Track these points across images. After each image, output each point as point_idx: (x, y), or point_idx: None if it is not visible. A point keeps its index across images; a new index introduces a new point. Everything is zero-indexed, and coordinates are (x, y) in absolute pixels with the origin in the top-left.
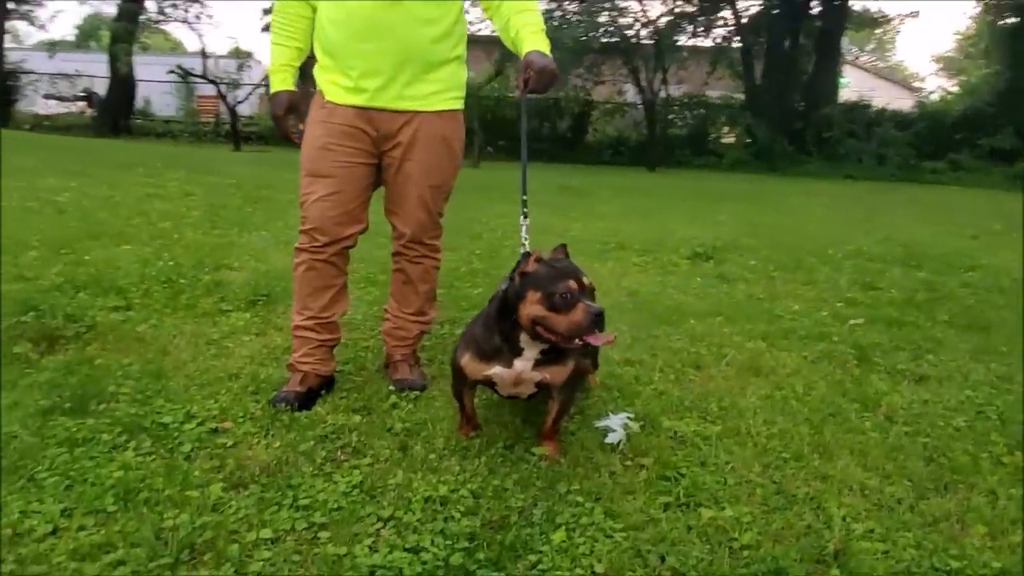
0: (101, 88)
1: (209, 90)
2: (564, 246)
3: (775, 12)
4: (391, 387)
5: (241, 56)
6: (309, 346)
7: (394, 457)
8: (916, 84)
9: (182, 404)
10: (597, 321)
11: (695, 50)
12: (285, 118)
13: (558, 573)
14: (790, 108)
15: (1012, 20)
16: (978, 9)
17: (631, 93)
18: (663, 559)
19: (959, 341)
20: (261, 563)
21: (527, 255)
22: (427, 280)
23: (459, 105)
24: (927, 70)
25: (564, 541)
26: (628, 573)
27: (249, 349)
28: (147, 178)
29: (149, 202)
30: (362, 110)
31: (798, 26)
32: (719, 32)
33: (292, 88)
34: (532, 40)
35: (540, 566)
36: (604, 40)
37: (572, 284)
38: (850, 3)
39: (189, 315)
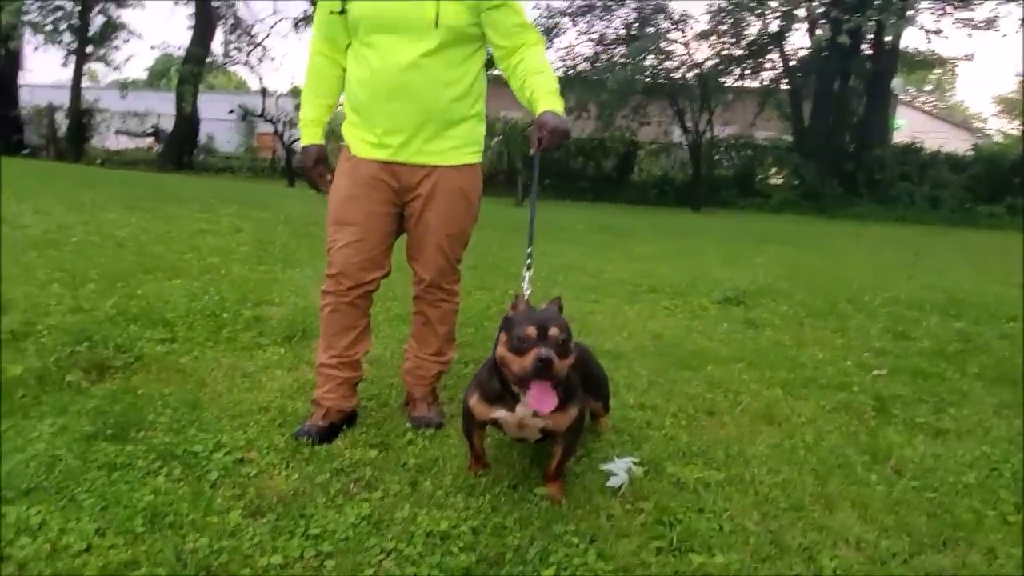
0: (168, 125)
1: (269, 127)
2: (559, 299)
3: (824, 54)
4: (408, 424)
5: (297, 95)
6: (333, 383)
7: (403, 492)
8: (977, 124)
9: (213, 434)
10: (539, 367)
11: (742, 91)
12: (314, 169)
13: None
14: (840, 149)
15: None
16: None
17: (677, 134)
18: None
19: (985, 394)
20: None
21: (516, 299)
22: (446, 322)
23: (476, 159)
24: (987, 111)
25: None
26: None
27: (280, 383)
28: (201, 213)
29: (201, 237)
30: (385, 164)
31: (848, 68)
32: (767, 74)
33: (321, 142)
34: (546, 100)
35: None
36: (649, 81)
37: (530, 330)
38: (903, 45)
39: (229, 348)
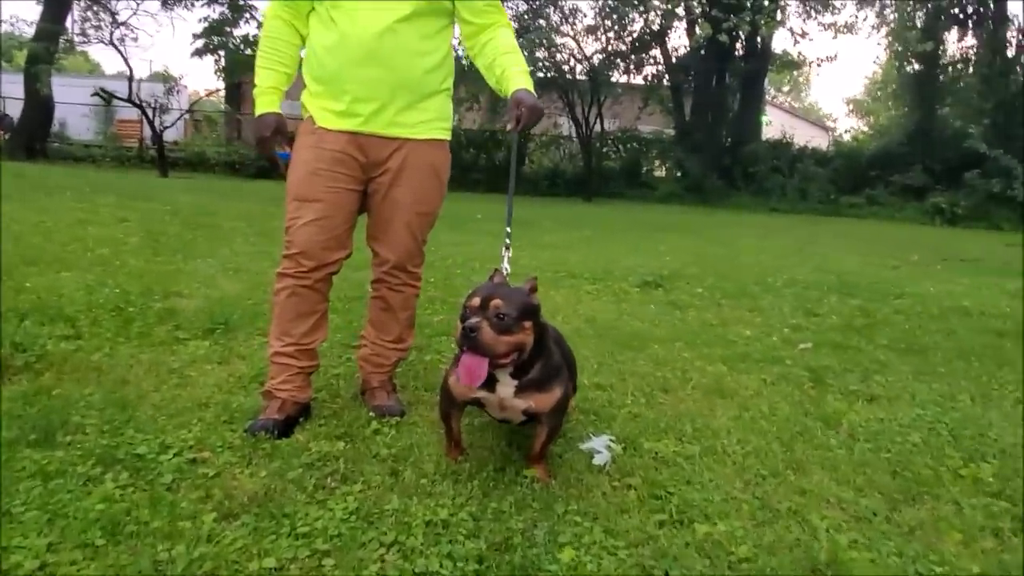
0: (13, 110)
1: (129, 114)
2: (534, 279)
3: (702, 53)
4: (371, 413)
5: (168, 80)
6: (288, 373)
7: (386, 483)
8: (829, 124)
9: (154, 435)
10: (464, 335)
11: (629, 87)
12: (272, 140)
13: None
14: (718, 144)
15: (917, 67)
16: (886, 56)
17: (566, 126)
18: (667, 573)
19: (900, 363)
20: None
21: (493, 273)
22: (407, 308)
23: (447, 136)
24: (838, 111)
25: (573, 559)
26: None
27: (214, 378)
28: (77, 203)
29: (82, 227)
30: (353, 136)
31: (724, 66)
32: (650, 70)
33: (280, 111)
34: (520, 79)
35: None
36: (541, 75)
37: (475, 301)
38: (772, 46)
39: (144, 344)
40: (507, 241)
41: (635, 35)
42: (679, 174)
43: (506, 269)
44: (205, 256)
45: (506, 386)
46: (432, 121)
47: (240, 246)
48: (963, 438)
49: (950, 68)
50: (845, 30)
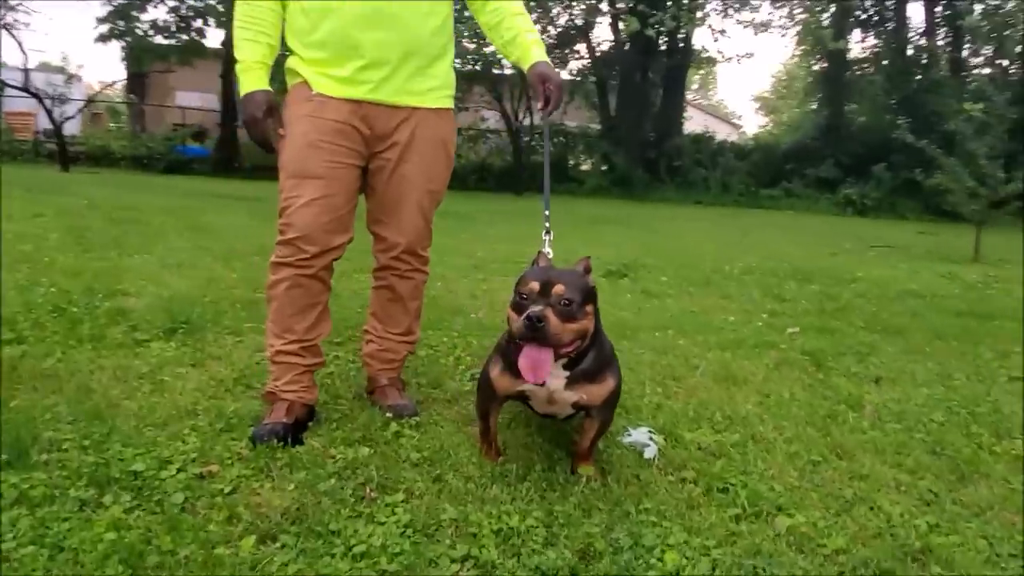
0: None
1: (19, 105)
2: (587, 259)
3: (626, 48)
4: (387, 415)
5: (62, 70)
6: (294, 372)
7: (431, 490)
8: (735, 121)
9: (145, 448)
10: (528, 327)
11: None
12: (264, 121)
13: None
14: (643, 138)
15: (825, 65)
16: (794, 54)
17: (492, 120)
18: (770, 572)
19: (887, 345)
20: None
21: (537, 256)
22: (416, 296)
23: (452, 104)
24: (743, 108)
25: (676, 564)
26: None
27: (193, 382)
28: None
29: None
30: (357, 105)
31: (648, 62)
32: (576, 65)
33: (268, 87)
34: (538, 49)
35: None
36: (468, 68)
37: (533, 285)
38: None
39: (100, 347)
40: (547, 224)
41: (560, 29)
42: (605, 168)
43: (549, 253)
44: (141, 252)
45: (557, 378)
46: (440, 88)
47: (175, 241)
48: (981, 415)
49: (855, 66)
50: (762, 28)
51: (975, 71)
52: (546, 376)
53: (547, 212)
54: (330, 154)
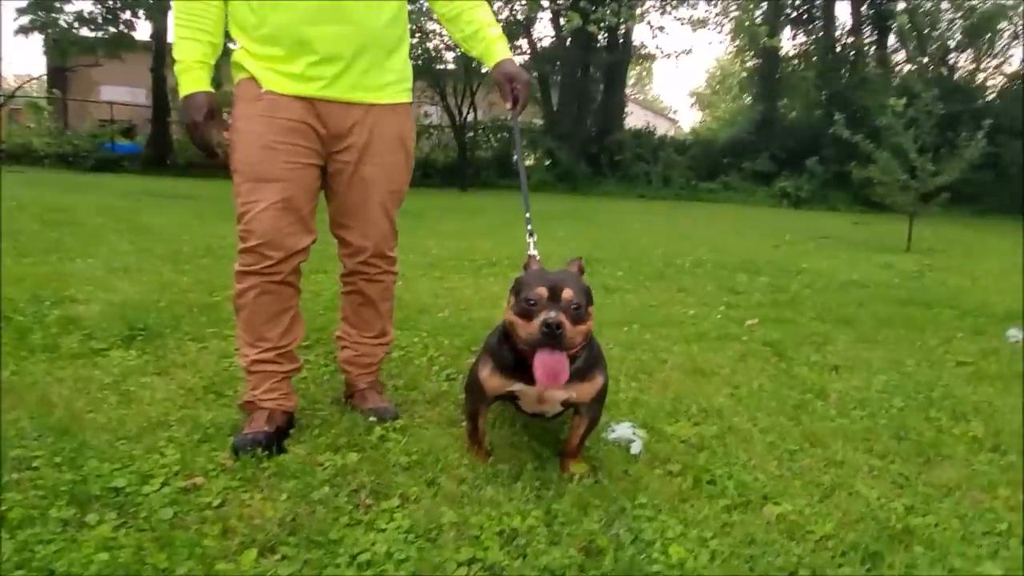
0: None
1: None
2: (579, 260)
3: (567, 44)
4: (371, 419)
5: None
6: (272, 380)
7: (425, 494)
8: (671, 116)
9: (122, 463)
10: (547, 334)
11: None
12: (205, 124)
13: None
14: (585, 133)
15: (758, 62)
16: (729, 50)
17: (435, 115)
18: (766, 560)
19: (839, 334)
20: None
21: (528, 260)
22: (387, 298)
23: (410, 98)
24: (678, 103)
25: (681, 557)
26: None
27: (162, 392)
28: None
29: None
30: (311, 103)
31: (589, 57)
32: (517, 60)
33: (210, 89)
34: (502, 46)
35: None
36: (414, 63)
37: (541, 291)
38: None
39: (55, 357)
40: (529, 227)
41: (501, 24)
42: (549, 163)
43: (536, 256)
44: (83, 256)
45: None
46: (397, 83)
47: (117, 244)
48: (936, 400)
49: (786, 64)
50: (700, 24)
51: (897, 68)
52: (564, 379)
53: (528, 215)
54: (287, 155)
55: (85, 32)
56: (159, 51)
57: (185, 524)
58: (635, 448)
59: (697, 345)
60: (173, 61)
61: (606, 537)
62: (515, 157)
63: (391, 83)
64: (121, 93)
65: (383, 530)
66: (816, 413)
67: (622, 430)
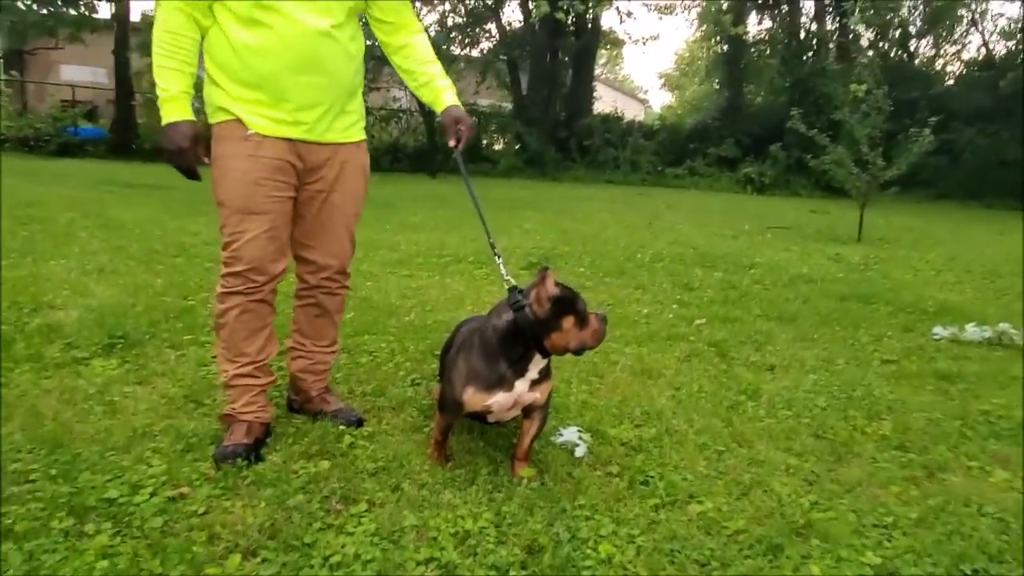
0: None
1: None
2: (547, 269)
3: (536, 28)
4: (340, 424)
5: None
6: (250, 394)
7: (390, 498)
8: (641, 96)
9: (113, 475)
10: (606, 330)
11: (468, 60)
12: (190, 152)
13: None
14: (554, 118)
15: (724, 47)
16: (696, 34)
17: (404, 99)
18: (684, 554)
19: (780, 332)
20: None
21: (543, 276)
22: (341, 309)
23: (364, 134)
24: (648, 84)
25: (609, 553)
26: (662, 573)
27: (145, 402)
28: None
29: None
30: (292, 143)
31: (557, 42)
32: (487, 44)
33: (193, 118)
34: (450, 93)
35: None
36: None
37: (582, 301)
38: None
39: (39, 367)
40: (495, 251)
41: (470, 6)
42: (518, 147)
43: (507, 276)
44: (56, 257)
45: (527, 380)
46: (357, 122)
47: (90, 243)
48: (856, 399)
49: (752, 49)
50: (666, 11)
51: (856, 58)
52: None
53: (491, 240)
54: (271, 189)
55: (44, 12)
56: (120, 33)
57: (175, 531)
58: (579, 452)
59: (647, 347)
60: (153, 85)
61: (547, 536)
62: (465, 184)
63: (354, 123)
64: (82, 72)
65: (351, 533)
66: (747, 414)
67: (568, 434)
